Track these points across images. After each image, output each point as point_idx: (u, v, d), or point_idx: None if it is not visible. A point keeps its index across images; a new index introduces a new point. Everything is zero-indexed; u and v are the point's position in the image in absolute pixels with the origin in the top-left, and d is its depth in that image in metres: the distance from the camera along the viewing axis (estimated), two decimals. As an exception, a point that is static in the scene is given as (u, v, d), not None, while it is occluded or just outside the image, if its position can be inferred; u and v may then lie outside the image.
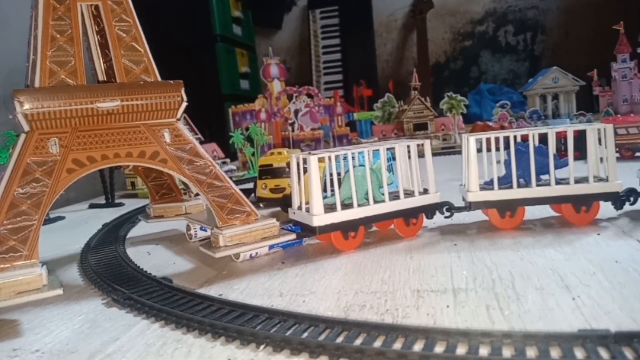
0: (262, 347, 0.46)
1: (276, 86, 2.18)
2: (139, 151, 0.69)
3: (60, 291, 0.57)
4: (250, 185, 1.27)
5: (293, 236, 0.74)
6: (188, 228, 0.91)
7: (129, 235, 0.99)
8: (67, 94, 0.66)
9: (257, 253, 0.76)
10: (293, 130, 2.01)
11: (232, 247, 0.70)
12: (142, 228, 1.04)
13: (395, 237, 0.80)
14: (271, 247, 0.76)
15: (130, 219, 1.09)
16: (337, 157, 0.76)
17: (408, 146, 0.82)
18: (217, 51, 3.10)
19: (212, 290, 0.64)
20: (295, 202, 0.79)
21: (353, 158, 0.79)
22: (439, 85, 3.68)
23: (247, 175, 1.78)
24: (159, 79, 0.74)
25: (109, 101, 0.68)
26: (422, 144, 0.83)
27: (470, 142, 0.81)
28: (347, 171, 0.77)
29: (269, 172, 1.16)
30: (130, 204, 1.34)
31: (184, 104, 0.73)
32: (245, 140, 1.82)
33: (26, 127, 0.63)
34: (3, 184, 0.60)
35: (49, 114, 0.64)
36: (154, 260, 0.81)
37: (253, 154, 1.82)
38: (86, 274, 0.74)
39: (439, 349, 0.42)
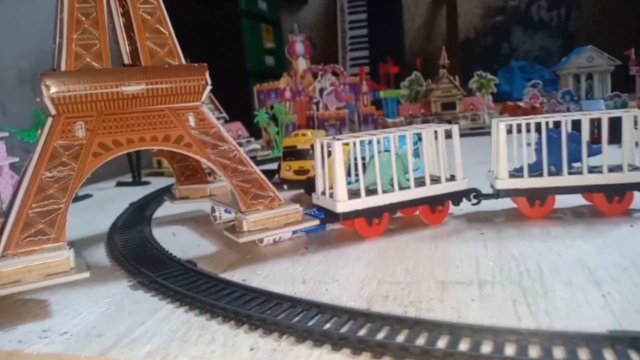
0: (284, 337, 0.46)
1: (301, 64, 2.16)
2: (163, 135, 0.69)
3: (86, 274, 0.58)
4: (274, 166, 1.27)
5: (316, 222, 0.74)
6: (213, 210, 0.92)
7: (155, 215, 1.00)
8: (92, 77, 0.66)
9: (280, 237, 0.76)
10: (318, 110, 1.99)
11: (255, 233, 0.70)
12: (167, 208, 1.05)
13: (420, 224, 0.79)
14: (294, 231, 0.76)
15: (156, 199, 1.10)
16: (362, 142, 0.74)
17: (435, 131, 0.81)
18: (242, 27, 3.09)
19: (236, 276, 0.64)
20: (319, 187, 0.78)
21: (378, 143, 0.77)
22: (468, 62, 3.59)
23: (271, 154, 1.78)
24: (183, 61, 0.74)
25: (134, 85, 0.68)
26: (451, 129, 0.81)
27: (500, 127, 0.78)
28: (371, 157, 0.76)
29: (293, 153, 1.16)
30: (157, 183, 1.35)
31: (209, 88, 0.73)
32: (270, 119, 1.82)
33: (53, 111, 0.64)
34: (31, 168, 0.61)
35: (75, 97, 0.65)
36: (178, 241, 0.81)
37: (277, 133, 1.81)
38: (113, 255, 0.75)
39: (464, 346, 0.42)
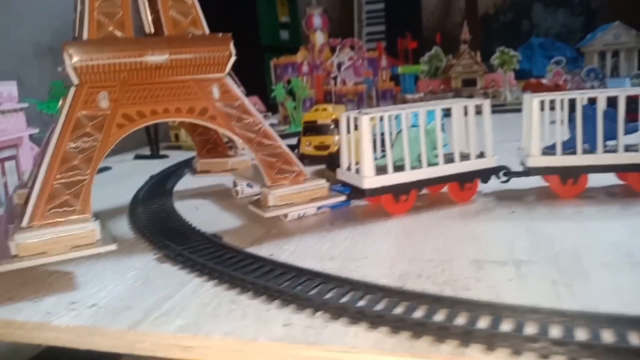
0: (318, 313, 0.45)
1: (319, 38, 2.12)
2: (187, 107, 0.68)
3: (113, 247, 0.57)
4: (292, 142, 1.25)
5: (342, 198, 0.72)
6: (234, 184, 0.90)
7: (176, 188, 0.99)
8: (116, 46, 0.64)
9: (304, 213, 0.74)
10: (335, 85, 1.96)
11: (281, 207, 0.68)
12: (188, 181, 1.04)
13: (448, 202, 0.77)
14: (319, 207, 0.75)
15: (175, 172, 1.09)
16: (389, 116, 0.72)
17: (465, 106, 0.78)
18: (257, 1, 3.03)
19: (262, 250, 0.63)
20: (345, 162, 0.76)
21: (406, 118, 0.75)
22: (487, 39, 3.51)
23: (289, 130, 1.76)
24: (207, 31, 0.72)
25: (157, 55, 0.66)
26: (482, 104, 0.78)
27: (534, 103, 0.76)
28: (399, 132, 0.74)
29: (313, 128, 1.14)
30: (175, 156, 1.34)
31: (233, 59, 0.70)
32: (287, 94, 1.79)
33: (75, 81, 0.62)
34: (55, 138, 0.60)
35: (98, 67, 0.63)
36: (201, 215, 0.80)
37: (295, 108, 1.79)
38: (136, 227, 0.74)
39: (506, 326, 0.40)
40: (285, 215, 0.73)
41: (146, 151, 1.42)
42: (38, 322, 0.48)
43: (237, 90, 0.71)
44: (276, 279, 0.52)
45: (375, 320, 0.43)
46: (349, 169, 0.75)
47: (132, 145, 1.53)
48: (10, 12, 1.71)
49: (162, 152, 1.40)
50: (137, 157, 1.38)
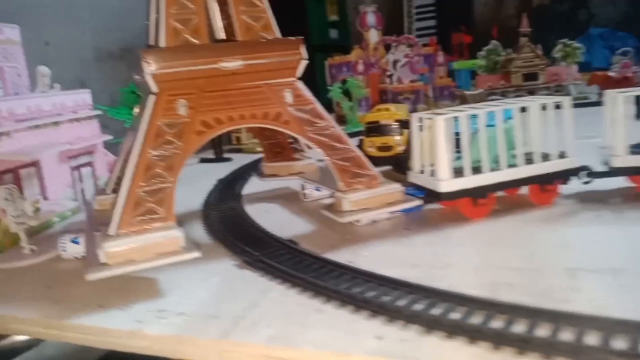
0: (411, 326, 0.44)
1: (373, 36, 2.09)
2: (262, 112, 0.68)
3: (198, 254, 0.58)
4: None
5: (418, 202, 0.70)
6: (302, 188, 0.90)
7: (244, 191, 1.00)
8: (193, 53, 0.64)
9: (376, 218, 0.73)
10: (391, 83, 1.93)
11: (356, 213, 0.67)
12: (254, 185, 1.05)
13: (527, 205, 0.74)
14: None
15: (242, 175, 1.10)
16: (465, 117, 0.70)
17: (544, 104, 0.74)
18: (306, 0, 3.04)
19: (340, 256, 0.62)
20: (417, 164, 0.74)
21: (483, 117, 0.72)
22: (542, 30, 3.37)
23: (346, 130, 1.75)
24: (278, 35, 0.71)
25: (232, 61, 0.66)
26: (561, 102, 0.74)
27: (619, 100, 0.71)
28: (474, 132, 0.71)
29: (376, 129, 1.12)
30: (238, 159, 1.36)
31: (304, 62, 0.70)
32: (342, 93, 1.78)
33: (155, 88, 0.63)
34: (138, 146, 0.61)
35: (176, 74, 0.64)
36: (272, 219, 0.80)
37: (351, 109, 1.77)
38: (212, 232, 0.75)
39: (619, 343, 0.38)
40: (358, 220, 0.72)
41: (209, 154, 1.44)
42: (131, 331, 0.49)
43: (309, 94, 0.70)
44: (360, 288, 0.51)
45: (474, 334, 0.41)
46: (422, 171, 0.73)
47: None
48: (71, 17, 1.77)
49: (224, 155, 1.42)
50: (202, 160, 1.40)
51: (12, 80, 0.91)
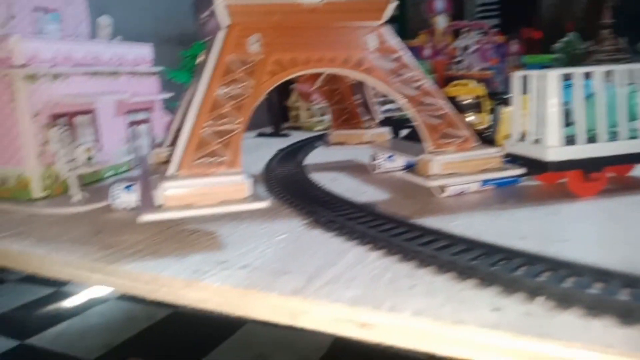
0: (536, 299, 0.34)
1: (441, 22, 1.98)
2: (343, 57, 0.59)
3: (266, 204, 0.50)
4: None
5: (521, 171, 0.60)
6: (372, 158, 0.81)
7: (305, 162, 0.92)
8: (271, -15, 0.57)
9: (464, 189, 0.64)
10: (460, 70, 1.81)
11: (445, 177, 0.58)
12: (317, 156, 0.97)
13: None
14: (484, 183, 0.63)
15: (302, 148, 1.02)
16: (580, 75, 0.59)
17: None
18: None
19: (427, 224, 0.53)
20: (516, 131, 0.64)
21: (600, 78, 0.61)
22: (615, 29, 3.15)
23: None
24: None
25: (314, -4, 0.58)
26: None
27: None
28: (589, 95, 0.61)
29: (454, 106, 1.02)
30: (297, 135, 1.29)
31: (393, 4, 0.61)
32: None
33: (226, 21, 0.56)
34: (204, 83, 0.54)
35: (251, 7, 0.56)
36: (342, 186, 0.72)
37: (415, 94, 1.67)
38: (276, 194, 0.68)
39: None
40: (442, 190, 0.63)
41: (267, 130, 1.38)
42: (187, 280, 0.42)
43: (396, 41, 0.62)
44: (461, 255, 0.41)
45: (624, 313, 0.31)
46: (522, 139, 0.63)
47: (251, 125, 1.50)
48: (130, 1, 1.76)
49: (282, 132, 1.35)
50: (260, 134, 1.34)
51: (72, 25, 0.86)
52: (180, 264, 0.45)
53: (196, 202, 0.49)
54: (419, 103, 0.60)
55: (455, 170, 0.58)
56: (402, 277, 0.40)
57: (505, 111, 0.78)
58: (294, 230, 0.53)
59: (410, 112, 0.60)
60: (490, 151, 0.60)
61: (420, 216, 0.56)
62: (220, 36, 0.57)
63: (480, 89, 1.00)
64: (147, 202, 0.50)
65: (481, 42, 1.81)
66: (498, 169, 0.60)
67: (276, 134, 1.33)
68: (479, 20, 1.90)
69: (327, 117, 1.50)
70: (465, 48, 1.82)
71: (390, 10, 0.61)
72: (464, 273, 0.39)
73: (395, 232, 0.48)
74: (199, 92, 0.54)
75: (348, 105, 0.87)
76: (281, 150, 0.98)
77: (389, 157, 0.80)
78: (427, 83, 0.61)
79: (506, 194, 0.64)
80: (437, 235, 0.46)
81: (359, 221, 0.51)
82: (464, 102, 1.01)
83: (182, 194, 0.49)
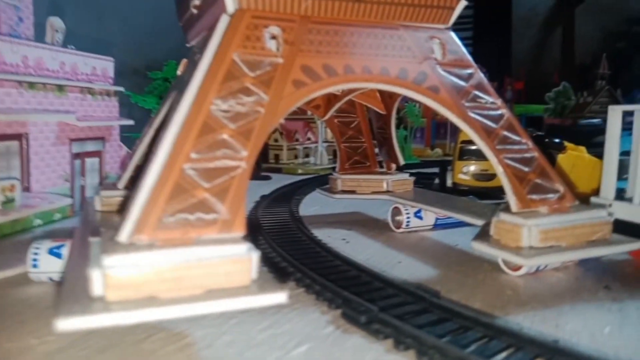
0: None
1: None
2: (398, 68, 0.41)
3: (283, 296, 0.29)
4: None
5: (636, 246, 0.42)
6: (396, 212, 0.62)
7: (300, 213, 0.72)
8: (295, -40, 0.39)
9: (546, 265, 0.45)
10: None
11: (546, 252, 0.39)
12: (312, 205, 0.77)
13: None
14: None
15: (292, 194, 0.82)
16: None
17: None
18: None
19: (529, 327, 0.34)
20: (610, 187, 0.47)
21: None
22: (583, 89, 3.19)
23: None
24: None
25: (355, -18, 0.40)
26: None
27: None
28: None
29: (473, 151, 0.85)
30: (278, 178, 1.09)
31: (462, 4, 0.44)
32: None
33: (233, 6, 0.37)
34: (191, 93, 0.34)
35: (266, -12, 0.38)
36: (362, 251, 0.52)
37: (405, 139, 1.52)
38: (272, 263, 0.47)
39: None
40: (515, 268, 0.44)
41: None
42: None
43: (465, 52, 0.44)
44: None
45: None
46: (630, 199, 0.46)
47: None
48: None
49: (263, 173, 1.15)
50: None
51: (8, 20, 0.65)
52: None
53: (163, 293, 0.28)
54: (500, 140, 0.42)
55: (556, 241, 0.40)
56: None
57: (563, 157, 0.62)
58: (317, 336, 0.32)
59: (486, 151, 0.42)
60: (599, 214, 0.42)
61: (505, 312, 0.37)
62: (221, 26, 0.37)
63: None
64: (75, 287, 0.29)
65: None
66: (607, 241, 0.41)
67: (256, 176, 1.13)
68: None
69: (312, 159, 1.32)
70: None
71: (459, 10, 0.44)
72: None
73: (491, 347, 0.28)
74: (182, 107, 0.34)
75: (362, 143, 0.69)
76: (266, 197, 0.78)
77: (416, 213, 0.61)
78: (509, 113, 0.43)
79: (598, 272, 0.45)
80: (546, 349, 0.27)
81: (420, 321, 0.31)
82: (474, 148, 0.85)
83: (139, 277, 0.28)
